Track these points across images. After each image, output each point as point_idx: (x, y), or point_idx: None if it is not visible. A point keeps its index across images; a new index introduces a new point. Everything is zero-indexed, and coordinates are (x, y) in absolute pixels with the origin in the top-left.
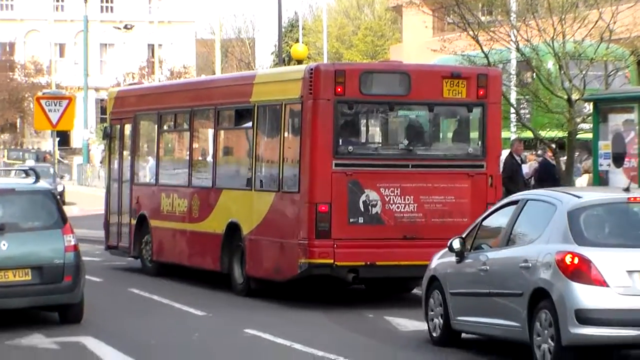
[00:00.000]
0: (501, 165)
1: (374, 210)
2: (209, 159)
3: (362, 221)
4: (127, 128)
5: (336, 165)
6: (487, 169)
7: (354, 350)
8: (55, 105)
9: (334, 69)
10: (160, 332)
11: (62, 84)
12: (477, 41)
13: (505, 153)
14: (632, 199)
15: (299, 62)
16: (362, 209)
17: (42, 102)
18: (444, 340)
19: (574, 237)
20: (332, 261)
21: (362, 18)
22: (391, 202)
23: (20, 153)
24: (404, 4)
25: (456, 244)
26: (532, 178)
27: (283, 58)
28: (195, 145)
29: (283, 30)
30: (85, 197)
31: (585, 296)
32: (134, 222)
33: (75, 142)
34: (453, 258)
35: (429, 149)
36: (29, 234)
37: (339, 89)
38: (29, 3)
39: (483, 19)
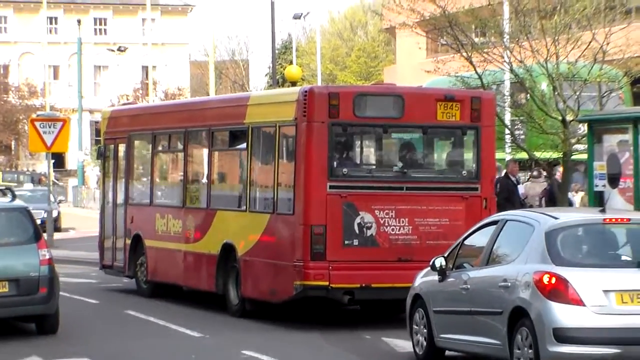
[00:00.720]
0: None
1: (369, 233)
2: (204, 179)
3: (357, 243)
4: (121, 148)
5: (331, 187)
6: (481, 191)
7: None
8: (50, 127)
9: (328, 92)
10: (157, 354)
11: (57, 105)
12: (471, 62)
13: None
14: (607, 220)
15: (293, 83)
16: (357, 231)
17: (37, 124)
18: (429, 357)
19: (552, 257)
20: (327, 283)
21: (356, 40)
22: (386, 224)
23: (15, 175)
24: (397, 25)
25: (438, 262)
26: (542, 199)
27: (277, 80)
28: (189, 165)
29: (277, 52)
30: (81, 219)
31: (563, 315)
32: (128, 241)
33: (71, 164)
34: (436, 277)
35: (423, 172)
36: (5, 248)
37: (333, 112)
38: (23, 26)
39: (476, 40)
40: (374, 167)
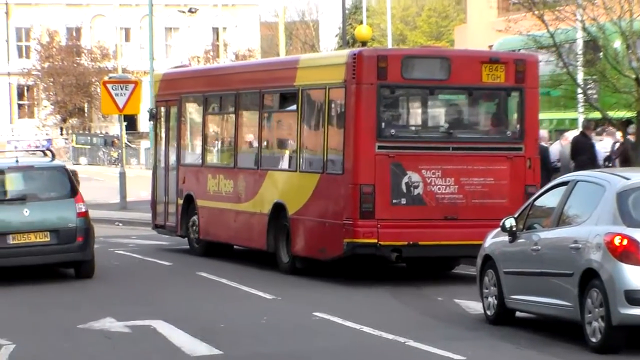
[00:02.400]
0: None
1: (416, 192)
2: (254, 141)
3: (404, 202)
4: (173, 110)
5: (379, 147)
6: (525, 151)
7: (422, 332)
8: (122, 89)
9: (377, 54)
10: (229, 316)
11: (129, 68)
12: (543, 21)
13: (572, 134)
14: None
15: (364, 44)
16: (405, 190)
17: (109, 86)
18: (499, 318)
19: (623, 218)
20: (376, 241)
21: None
22: (432, 183)
23: (89, 138)
24: None
25: (508, 223)
26: (617, 159)
27: (347, 40)
28: (240, 127)
29: (347, 12)
30: None
31: (635, 277)
32: (180, 202)
33: (142, 126)
34: (506, 237)
35: (468, 132)
36: (46, 202)
37: (382, 74)
38: None
39: None
40: (420, 128)
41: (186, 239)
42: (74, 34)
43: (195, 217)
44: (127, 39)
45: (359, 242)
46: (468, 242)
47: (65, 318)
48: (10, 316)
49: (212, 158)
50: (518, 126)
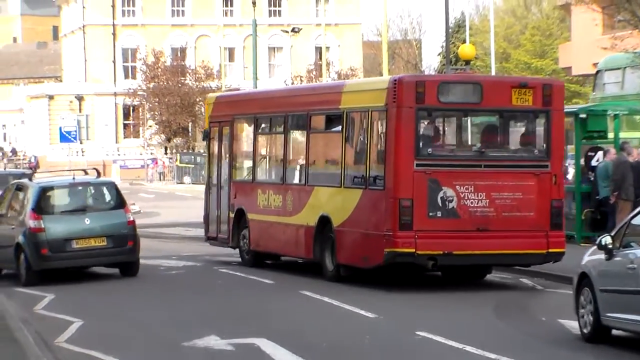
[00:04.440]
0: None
1: (451, 205)
2: (302, 159)
3: (440, 215)
4: (225, 130)
5: (417, 165)
6: (551, 168)
7: (525, 353)
8: None
9: (415, 80)
10: (332, 334)
11: (232, 87)
12: None
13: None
14: None
15: (467, 62)
16: (440, 204)
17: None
18: (595, 336)
19: None
20: (414, 250)
21: (530, 17)
22: (466, 198)
23: (192, 157)
24: (572, 1)
25: (605, 241)
26: None
27: (450, 59)
28: (289, 146)
29: (450, 30)
30: None
31: None
32: (232, 215)
33: None
34: (602, 255)
35: (499, 151)
36: (102, 213)
37: (420, 98)
38: (200, 9)
39: None
40: (455, 147)
41: (237, 250)
42: (179, 54)
43: (245, 230)
44: (231, 58)
45: (398, 251)
46: (498, 252)
47: (170, 335)
48: (118, 332)
49: (262, 175)
50: (544, 145)
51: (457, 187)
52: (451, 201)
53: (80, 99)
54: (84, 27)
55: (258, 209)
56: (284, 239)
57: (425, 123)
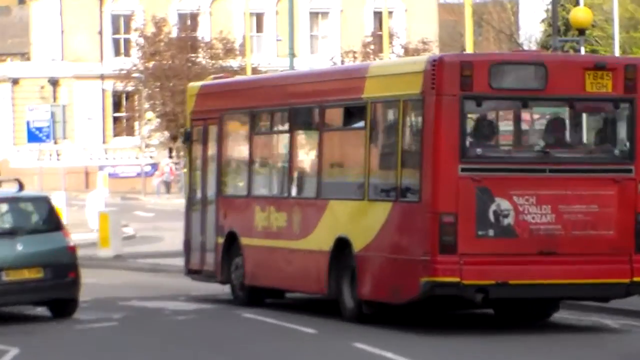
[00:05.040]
0: None
1: (506, 222)
2: (313, 165)
3: (492, 234)
4: (212, 130)
5: (463, 170)
6: (636, 173)
7: None
8: None
9: (460, 60)
10: None
11: (260, 67)
12: None
13: None
14: None
15: (581, 31)
16: (493, 220)
17: None
18: None
19: None
20: (458, 279)
21: None
22: (525, 212)
23: None
24: None
25: None
26: None
27: (558, 27)
28: (295, 149)
29: None
30: None
31: None
32: (221, 240)
33: None
34: None
35: (569, 152)
36: (37, 236)
37: (466, 84)
38: None
39: None
40: (512, 146)
41: (227, 285)
42: (188, 22)
43: (239, 259)
44: (259, 28)
45: (438, 280)
46: (568, 282)
47: None
48: None
49: (261, 187)
50: (627, 144)
51: (514, 198)
52: (507, 216)
53: (54, 83)
54: None
55: (255, 231)
56: (290, 269)
57: (474, 115)
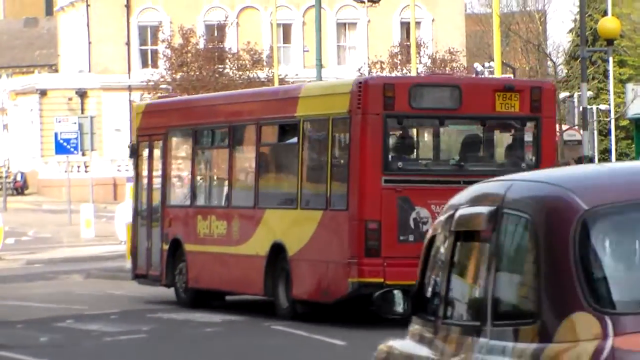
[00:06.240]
0: None
1: (425, 228)
2: (250, 177)
3: (412, 239)
4: (157, 145)
5: (386, 181)
6: None
7: None
8: None
9: (383, 83)
10: None
11: (287, 78)
12: None
13: None
14: None
15: (609, 41)
16: (413, 227)
17: None
18: None
19: None
20: (382, 280)
21: None
22: None
23: None
24: None
25: None
26: None
27: (586, 37)
28: (235, 163)
29: None
30: None
31: None
32: (166, 247)
33: None
34: None
35: (481, 165)
36: None
37: (388, 104)
38: None
39: None
40: (430, 160)
41: (172, 289)
42: (215, 33)
43: (182, 264)
44: (286, 39)
45: (364, 281)
46: None
47: None
48: None
49: (203, 198)
50: (533, 158)
51: (432, 206)
52: (426, 223)
53: (82, 95)
54: None
55: (197, 238)
56: (229, 273)
57: (395, 132)
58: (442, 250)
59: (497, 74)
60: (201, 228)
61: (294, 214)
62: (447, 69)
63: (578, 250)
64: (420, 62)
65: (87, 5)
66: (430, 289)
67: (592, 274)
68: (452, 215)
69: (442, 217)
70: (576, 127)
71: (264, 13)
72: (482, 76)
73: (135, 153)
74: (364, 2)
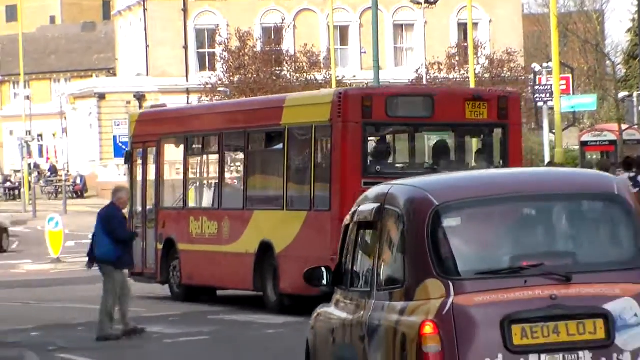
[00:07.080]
0: None
1: None
2: (240, 181)
3: None
4: (151, 152)
5: (365, 184)
6: None
7: None
8: None
9: (361, 94)
10: None
11: (345, 80)
12: None
13: None
14: None
15: None
16: None
17: None
18: None
19: None
20: None
21: None
22: None
23: None
24: None
25: None
26: None
27: None
28: (224, 167)
29: None
30: None
31: None
32: (160, 247)
33: None
34: None
35: (453, 168)
36: None
37: (366, 113)
38: None
39: None
40: (406, 164)
41: (166, 285)
42: (272, 36)
43: (176, 262)
44: (343, 41)
45: None
46: None
47: None
48: None
49: (195, 200)
50: (501, 162)
51: None
52: None
53: (140, 98)
54: (144, 1)
55: (190, 238)
56: (221, 270)
57: (373, 139)
58: (351, 236)
59: (555, 74)
60: (193, 228)
61: (280, 215)
62: (504, 69)
63: (431, 235)
64: (478, 63)
65: (145, 9)
66: (344, 266)
67: (440, 251)
68: (356, 210)
69: (351, 211)
70: (635, 127)
71: (320, 15)
72: (536, 76)
73: (129, 159)
74: (420, 4)
